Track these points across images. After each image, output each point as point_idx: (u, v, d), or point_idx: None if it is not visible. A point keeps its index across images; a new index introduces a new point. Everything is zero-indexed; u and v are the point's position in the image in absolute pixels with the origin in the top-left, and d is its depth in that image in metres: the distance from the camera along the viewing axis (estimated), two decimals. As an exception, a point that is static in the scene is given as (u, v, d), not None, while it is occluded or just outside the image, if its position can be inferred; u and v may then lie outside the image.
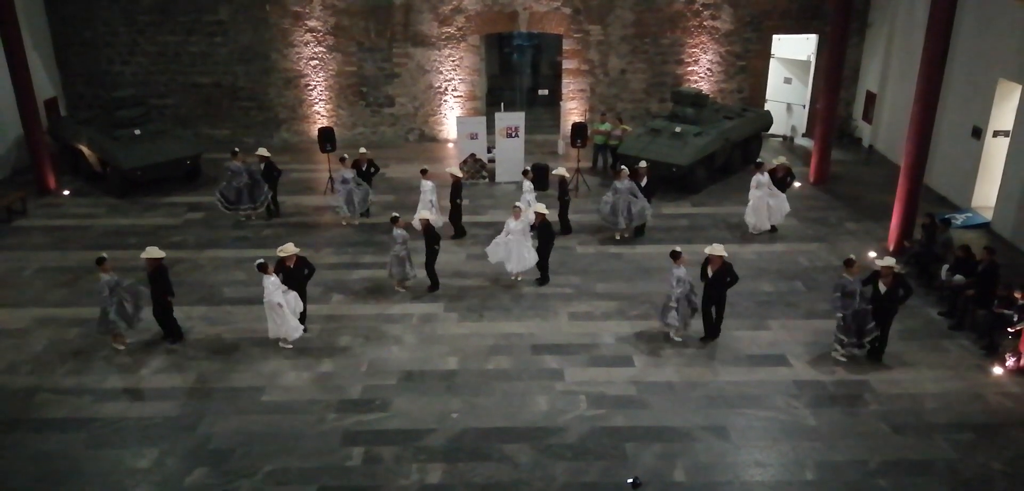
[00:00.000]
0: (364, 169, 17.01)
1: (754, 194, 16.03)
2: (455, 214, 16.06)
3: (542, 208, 13.99)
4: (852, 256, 11.74)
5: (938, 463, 9.71)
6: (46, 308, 13.52)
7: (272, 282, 11.77)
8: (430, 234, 13.68)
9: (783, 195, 16.11)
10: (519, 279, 14.17)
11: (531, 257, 13.95)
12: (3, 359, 11.96)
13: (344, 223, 16.72)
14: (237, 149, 17.47)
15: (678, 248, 12.23)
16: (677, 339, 12.29)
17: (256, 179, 16.91)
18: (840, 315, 11.54)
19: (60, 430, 10.40)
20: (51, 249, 15.86)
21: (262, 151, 17.26)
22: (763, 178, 15.91)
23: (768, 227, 16.22)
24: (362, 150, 17.65)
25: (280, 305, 11.78)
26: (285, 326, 11.94)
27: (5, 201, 17.43)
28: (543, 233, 13.92)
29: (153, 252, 12.08)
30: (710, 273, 12.06)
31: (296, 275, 12.32)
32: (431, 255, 13.79)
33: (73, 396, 11.12)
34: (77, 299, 13.78)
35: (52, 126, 20.73)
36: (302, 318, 12.28)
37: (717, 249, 11.95)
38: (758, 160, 16.89)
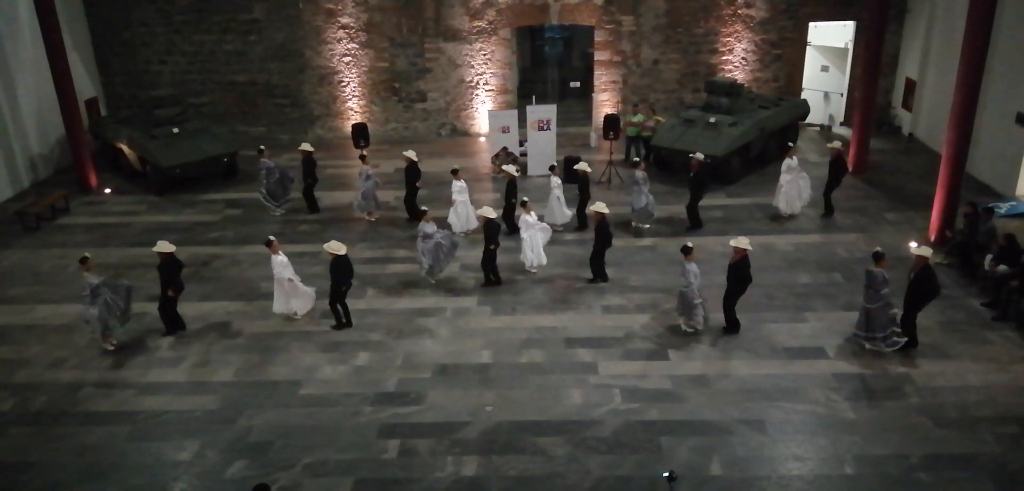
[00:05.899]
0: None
1: (785, 178, 16.12)
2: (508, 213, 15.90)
3: (602, 207, 13.71)
4: (879, 249, 11.56)
5: (982, 457, 9.49)
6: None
7: (280, 260, 12.53)
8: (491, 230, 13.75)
9: (808, 179, 16.27)
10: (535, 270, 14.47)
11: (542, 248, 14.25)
12: (49, 354, 12.26)
13: (371, 218, 16.86)
14: (263, 147, 17.80)
15: (690, 243, 12.32)
16: (690, 330, 12.33)
17: (284, 176, 17.31)
18: (871, 306, 11.39)
19: (104, 423, 10.63)
20: (94, 246, 16.17)
21: (305, 146, 17.41)
22: (793, 162, 16.04)
23: (799, 210, 16.31)
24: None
25: (291, 279, 12.61)
26: (297, 299, 12.90)
27: (49, 199, 17.86)
28: (600, 232, 13.75)
29: (164, 246, 12.37)
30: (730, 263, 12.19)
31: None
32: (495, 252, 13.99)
33: (116, 390, 11.36)
34: (119, 295, 14.07)
35: (93, 126, 21.23)
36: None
37: (741, 241, 11.99)
38: (788, 143, 16.79)
